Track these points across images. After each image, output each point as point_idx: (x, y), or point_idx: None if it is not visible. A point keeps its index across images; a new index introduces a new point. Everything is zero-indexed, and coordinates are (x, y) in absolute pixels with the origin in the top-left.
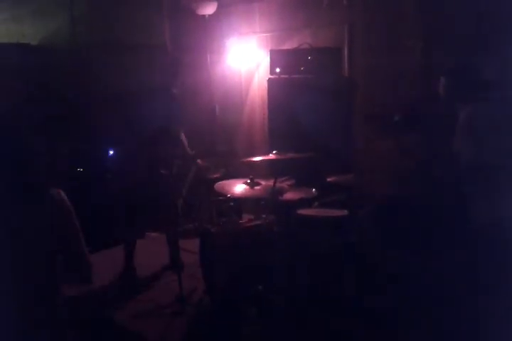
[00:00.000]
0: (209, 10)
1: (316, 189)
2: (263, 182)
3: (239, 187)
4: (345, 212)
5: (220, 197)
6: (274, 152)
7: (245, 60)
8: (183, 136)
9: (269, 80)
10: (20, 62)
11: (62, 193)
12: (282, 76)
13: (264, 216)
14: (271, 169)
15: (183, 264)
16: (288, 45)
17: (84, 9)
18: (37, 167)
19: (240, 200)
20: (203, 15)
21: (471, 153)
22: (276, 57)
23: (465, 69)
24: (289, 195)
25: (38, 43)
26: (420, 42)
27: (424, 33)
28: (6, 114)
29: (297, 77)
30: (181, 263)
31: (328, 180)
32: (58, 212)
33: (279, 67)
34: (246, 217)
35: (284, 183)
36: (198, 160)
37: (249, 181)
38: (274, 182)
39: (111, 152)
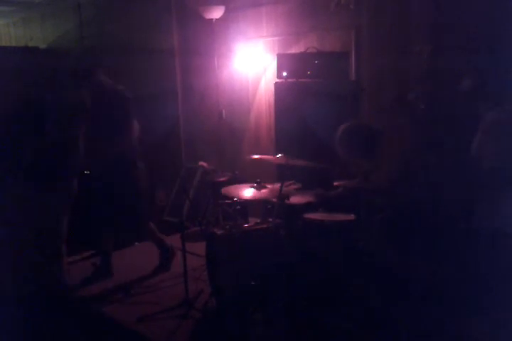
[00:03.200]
0: (216, 14)
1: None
2: (270, 186)
3: (245, 191)
4: (352, 216)
5: (227, 201)
6: (278, 155)
7: (252, 64)
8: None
9: (276, 84)
10: (29, 65)
11: None
12: (289, 80)
13: (270, 219)
14: (278, 173)
15: (174, 253)
16: (295, 49)
17: (92, 13)
18: None
19: (246, 204)
20: (211, 19)
21: (494, 158)
22: (283, 61)
23: (491, 69)
24: (295, 199)
25: (46, 47)
26: (428, 46)
27: (432, 37)
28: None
29: (304, 81)
30: (172, 252)
31: (335, 184)
32: None
33: (286, 71)
34: (252, 221)
35: (290, 187)
36: (204, 164)
37: (255, 184)
38: (281, 186)
39: None
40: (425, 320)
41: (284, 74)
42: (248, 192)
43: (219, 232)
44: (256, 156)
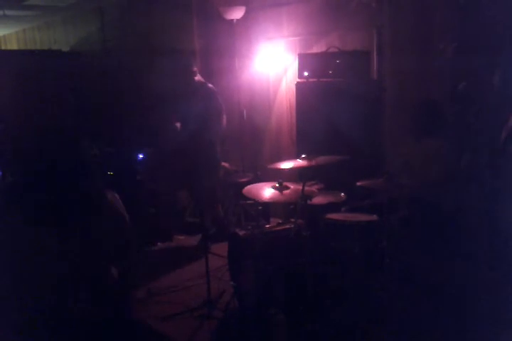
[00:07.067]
0: (237, 14)
1: (345, 193)
2: (292, 186)
3: (267, 191)
4: (374, 217)
5: (248, 201)
6: (302, 156)
7: (273, 64)
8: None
9: (297, 84)
10: (53, 68)
11: (116, 195)
12: (310, 80)
13: (292, 220)
14: (300, 173)
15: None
16: (316, 49)
17: (113, 16)
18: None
19: (268, 204)
20: (231, 20)
21: None
22: (305, 60)
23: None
24: (317, 199)
25: (69, 49)
26: (451, 45)
27: (455, 35)
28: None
29: (325, 81)
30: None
31: (358, 184)
32: (115, 218)
33: (307, 70)
34: (274, 221)
35: (312, 187)
36: (226, 164)
37: (277, 185)
38: (303, 187)
39: (141, 155)
40: (446, 320)
41: (306, 74)
42: (270, 193)
43: (241, 233)
44: (287, 166)
